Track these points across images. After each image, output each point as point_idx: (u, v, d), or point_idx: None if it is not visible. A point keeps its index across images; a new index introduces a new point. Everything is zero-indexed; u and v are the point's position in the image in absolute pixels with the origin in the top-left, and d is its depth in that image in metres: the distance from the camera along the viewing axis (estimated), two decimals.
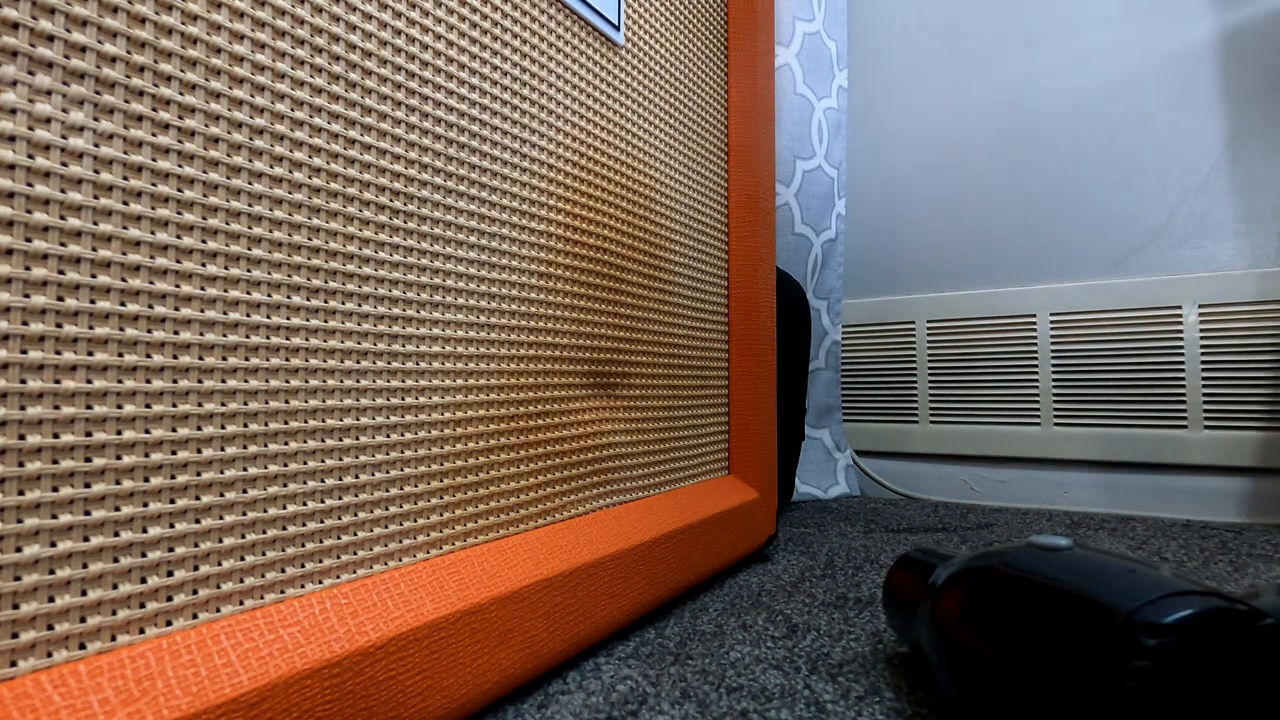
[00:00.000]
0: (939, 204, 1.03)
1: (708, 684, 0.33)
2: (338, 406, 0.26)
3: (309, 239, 0.25)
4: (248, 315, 0.23)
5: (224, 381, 0.23)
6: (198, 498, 0.22)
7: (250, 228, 0.23)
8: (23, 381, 0.18)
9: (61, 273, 0.19)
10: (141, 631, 0.20)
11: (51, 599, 0.19)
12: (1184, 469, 0.84)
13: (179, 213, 0.22)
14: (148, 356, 0.21)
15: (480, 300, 0.33)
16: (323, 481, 0.25)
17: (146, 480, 0.21)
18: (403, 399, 0.29)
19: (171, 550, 0.21)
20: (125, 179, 0.20)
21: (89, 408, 0.19)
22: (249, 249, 0.23)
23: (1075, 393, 0.90)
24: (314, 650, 0.23)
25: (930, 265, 1.03)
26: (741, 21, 0.58)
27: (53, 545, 0.19)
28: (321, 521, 0.25)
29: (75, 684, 0.18)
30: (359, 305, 0.27)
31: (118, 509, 0.20)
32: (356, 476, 0.27)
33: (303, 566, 0.25)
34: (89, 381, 0.19)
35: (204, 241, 0.22)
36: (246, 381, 0.23)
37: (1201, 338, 0.82)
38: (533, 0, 0.36)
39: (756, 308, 0.56)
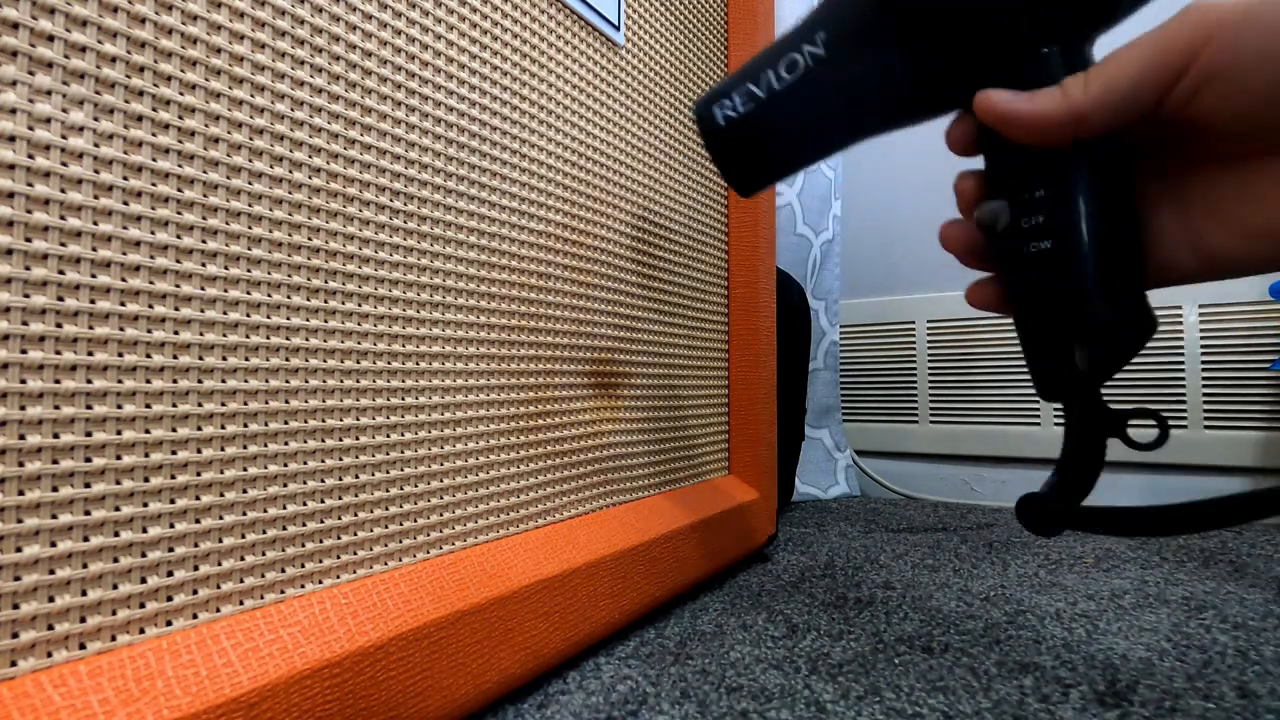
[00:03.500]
0: (939, 202, 1.03)
1: (708, 684, 0.33)
2: (338, 406, 0.26)
3: (309, 239, 0.25)
4: (248, 315, 0.23)
5: (224, 381, 0.23)
6: (198, 498, 0.22)
7: (250, 228, 0.23)
8: (23, 381, 0.18)
9: (61, 273, 0.19)
10: (141, 631, 0.20)
11: (51, 599, 0.19)
12: (1184, 469, 0.84)
13: (179, 213, 0.22)
14: (148, 356, 0.21)
15: (480, 300, 0.33)
16: (323, 481, 0.25)
17: (146, 480, 0.21)
18: (403, 399, 0.29)
19: (171, 550, 0.21)
20: (125, 179, 0.20)
21: (89, 408, 0.19)
22: (249, 249, 0.23)
23: None
24: (314, 650, 0.23)
25: (930, 265, 1.03)
26: (741, 21, 0.58)
27: (53, 545, 0.19)
28: (321, 521, 0.25)
29: (75, 684, 0.18)
30: (359, 305, 0.27)
31: (118, 509, 0.20)
32: (356, 476, 0.27)
33: (303, 566, 0.25)
34: (89, 381, 0.19)
35: (204, 241, 0.22)
36: (246, 381, 0.23)
37: (1201, 338, 0.82)
38: (533, 0, 0.36)
39: (756, 308, 0.56)
